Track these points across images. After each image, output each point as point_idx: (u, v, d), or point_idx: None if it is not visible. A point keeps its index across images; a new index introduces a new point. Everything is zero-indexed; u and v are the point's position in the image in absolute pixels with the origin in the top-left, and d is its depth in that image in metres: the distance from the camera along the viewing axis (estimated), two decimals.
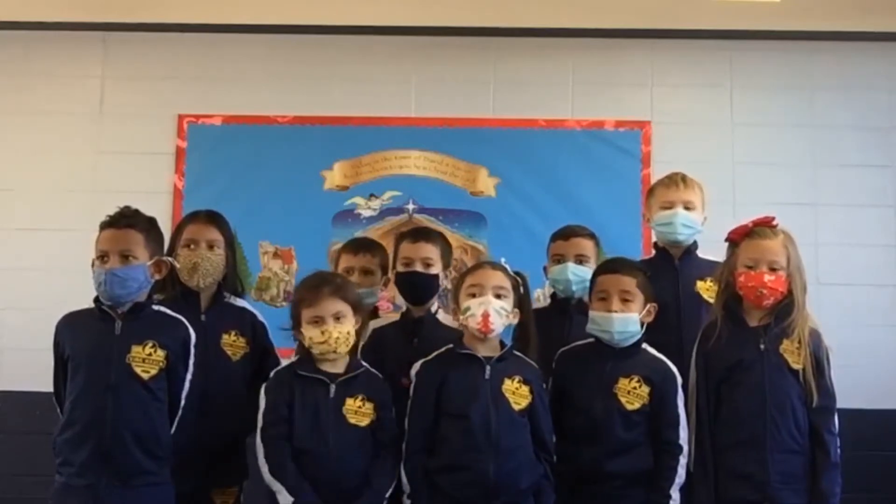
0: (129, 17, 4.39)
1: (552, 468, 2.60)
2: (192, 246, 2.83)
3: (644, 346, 2.72)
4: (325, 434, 2.51)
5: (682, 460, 2.61)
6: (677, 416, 2.64)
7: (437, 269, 2.87)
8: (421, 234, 2.95)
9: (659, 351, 2.73)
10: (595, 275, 2.78)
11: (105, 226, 2.61)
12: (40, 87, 4.52)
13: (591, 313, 2.70)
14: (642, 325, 2.69)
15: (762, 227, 2.68)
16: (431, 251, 2.87)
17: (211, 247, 2.85)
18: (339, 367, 2.59)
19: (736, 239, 2.69)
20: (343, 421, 2.54)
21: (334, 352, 2.55)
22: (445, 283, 2.92)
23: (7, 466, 4.16)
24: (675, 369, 2.69)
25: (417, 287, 2.86)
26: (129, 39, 4.53)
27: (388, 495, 2.54)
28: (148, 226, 2.64)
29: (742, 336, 2.65)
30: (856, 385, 3.78)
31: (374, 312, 3.11)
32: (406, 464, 2.56)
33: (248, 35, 4.50)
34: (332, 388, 2.55)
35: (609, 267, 2.77)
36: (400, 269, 2.88)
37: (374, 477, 2.53)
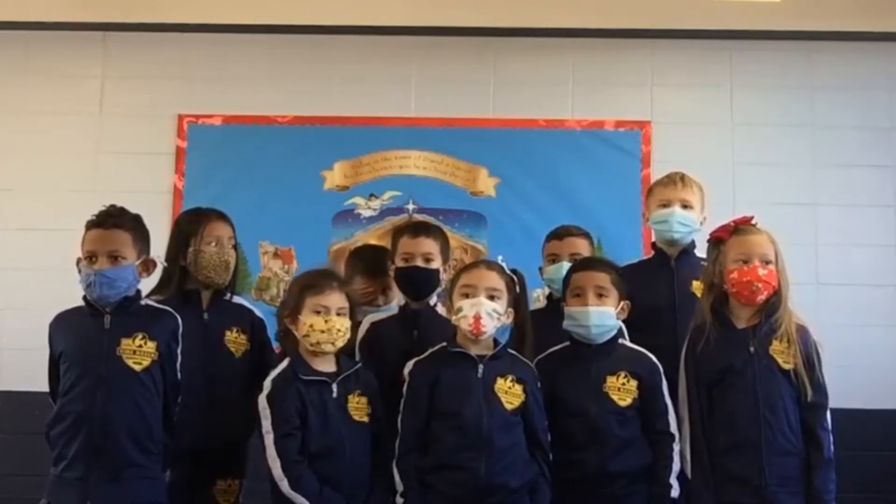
0: (129, 17, 4.40)
1: (549, 467, 2.59)
2: (216, 244, 2.83)
3: (621, 340, 2.72)
4: (338, 434, 2.51)
5: (676, 447, 2.62)
6: (665, 404, 2.65)
7: (436, 263, 2.84)
8: (421, 229, 2.91)
9: (654, 351, 2.72)
10: (569, 273, 2.78)
11: (92, 225, 2.59)
12: (40, 87, 4.53)
13: (567, 310, 2.69)
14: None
15: (747, 225, 2.68)
16: (431, 246, 2.84)
17: (231, 245, 2.87)
18: (330, 365, 2.59)
19: (723, 237, 2.68)
20: (350, 419, 2.55)
21: (332, 344, 2.55)
22: (444, 278, 2.89)
23: (6, 466, 4.16)
24: (655, 359, 2.69)
25: (418, 282, 2.84)
26: (129, 39, 4.53)
27: None
28: (135, 224, 2.62)
29: (731, 339, 2.63)
30: (856, 385, 3.80)
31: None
32: (398, 463, 2.55)
33: (248, 35, 4.50)
34: (334, 387, 2.55)
35: (582, 265, 2.78)
36: (400, 264, 2.85)
37: (384, 469, 2.55)
